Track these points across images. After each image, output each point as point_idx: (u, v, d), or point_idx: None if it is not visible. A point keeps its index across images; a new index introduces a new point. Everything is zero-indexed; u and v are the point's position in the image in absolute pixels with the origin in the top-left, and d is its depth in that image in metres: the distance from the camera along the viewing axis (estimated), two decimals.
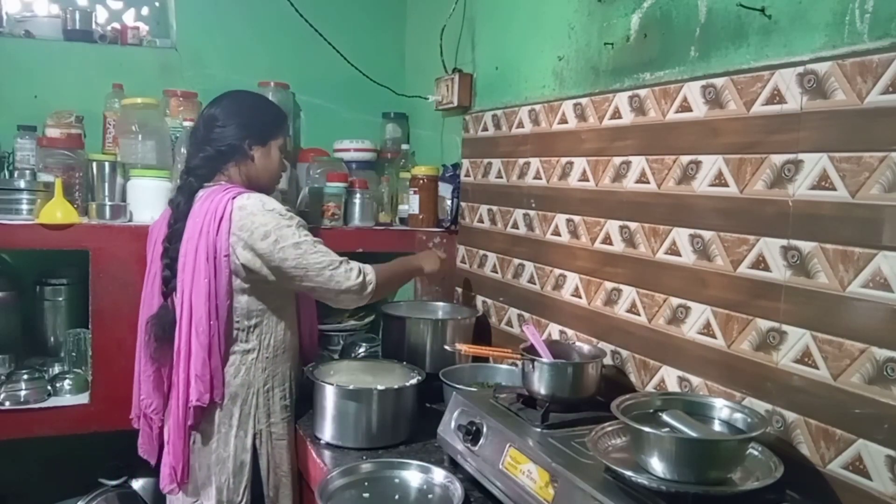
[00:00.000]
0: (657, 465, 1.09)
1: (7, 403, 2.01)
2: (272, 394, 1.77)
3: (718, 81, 1.39)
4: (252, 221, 1.66)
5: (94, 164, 2.23)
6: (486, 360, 2.07)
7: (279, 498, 1.78)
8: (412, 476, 1.51)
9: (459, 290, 2.44)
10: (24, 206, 2.03)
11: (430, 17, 2.60)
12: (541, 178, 1.97)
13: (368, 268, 1.76)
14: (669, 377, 1.51)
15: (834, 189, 1.16)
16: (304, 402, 1.85)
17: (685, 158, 1.47)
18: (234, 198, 1.69)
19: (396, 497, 1.46)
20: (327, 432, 1.73)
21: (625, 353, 1.65)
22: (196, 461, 1.72)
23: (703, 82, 1.42)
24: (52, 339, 2.31)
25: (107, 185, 2.23)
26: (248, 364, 1.74)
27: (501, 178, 2.16)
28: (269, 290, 1.74)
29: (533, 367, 1.49)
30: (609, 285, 1.70)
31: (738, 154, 1.34)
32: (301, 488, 1.84)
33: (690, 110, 1.46)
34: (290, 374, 1.83)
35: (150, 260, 1.82)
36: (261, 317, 1.74)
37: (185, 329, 1.66)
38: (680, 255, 1.48)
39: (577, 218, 1.81)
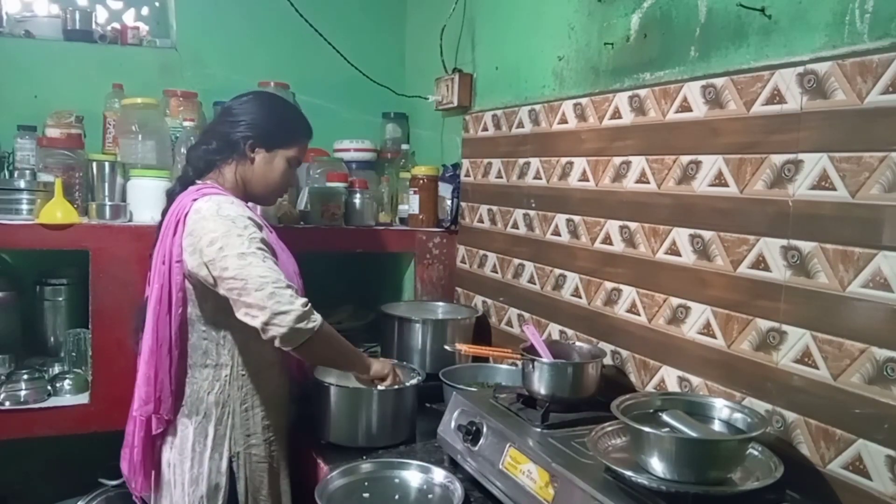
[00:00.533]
0: (657, 465, 1.09)
1: (7, 403, 2.01)
2: (251, 413, 1.64)
3: (718, 81, 1.39)
4: (202, 227, 1.53)
5: (94, 164, 2.23)
6: (486, 360, 2.07)
7: None
8: (412, 476, 1.51)
9: (459, 290, 2.44)
10: (24, 206, 2.03)
11: (430, 17, 2.60)
12: (541, 178, 1.97)
13: (317, 313, 1.54)
14: (669, 377, 1.51)
15: (834, 189, 1.16)
16: (303, 403, 1.85)
17: (685, 158, 1.47)
18: (195, 200, 1.58)
19: (396, 497, 1.46)
20: (327, 432, 1.72)
21: (625, 353, 1.65)
22: (171, 476, 1.62)
23: (703, 82, 1.42)
24: (52, 339, 2.31)
25: (107, 185, 2.23)
26: (223, 380, 1.62)
27: (501, 178, 2.16)
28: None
29: (533, 367, 1.49)
30: (609, 285, 1.70)
31: (738, 154, 1.34)
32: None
33: (690, 110, 1.46)
34: (279, 392, 1.71)
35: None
36: (229, 329, 1.60)
37: (146, 333, 1.59)
38: (680, 255, 1.48)
39: (577, 218, 1.81)
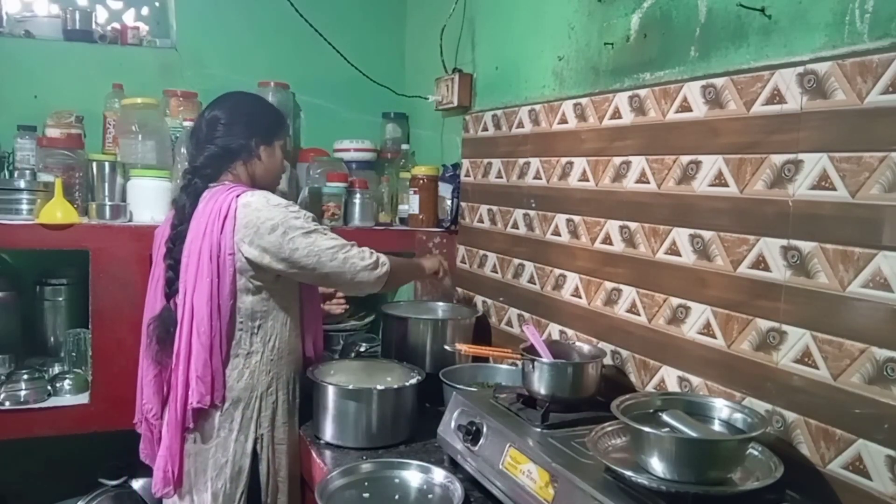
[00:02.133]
0: (657, 465, 1.09)
1: (7, 403, 2.02)
2: (276, 397, 1.74)
3: (718, 81, 1.39)
4: (258, 217, 1.63)
5: (94, 164, 2.23)
6: (486, 360, 2.07)
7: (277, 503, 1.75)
8: (412, 476, 1.51)
9: (459, 290, 2.44)
10: (24, 206, 2.03)
11: (430, 17, 2.60)
12: (541, 178, 1.97)
13: (379, 253, 1.76)
14: (669, 377, 1.51)
15: (834, 189, 1.16)
16: (304, 402, 1.85)
17: (685, 158, 1.47)
18: (238, 196, 1.66)
19: (396, 497, 1.46)
20: (327, 432, 1.72)
21: (625, 353, 1.65)
22: (192, 465, 1.69)
23: (703, 82, 1.42)
24: (52, 339, 2.31)
25: (107, 185, 2.23)
26: (252, 367, 1.70)
27: (501, 178, 2.16)
28: (276, 291, 1.72)
29: (533, 367, 1.49)
30: (609, 285, 1.70)
31: (738, 154, 1.34)
32: (301, 492, 1.82)
33: (690, 110, 1.46)
34: (294, 377, 1.80)
35: (155, 263, 1.79)
36: (265, 318, 1.71)
37: (185, 330, 1.64)
38: (680, 255, 1.48)
39: (577, 218, 1.81)
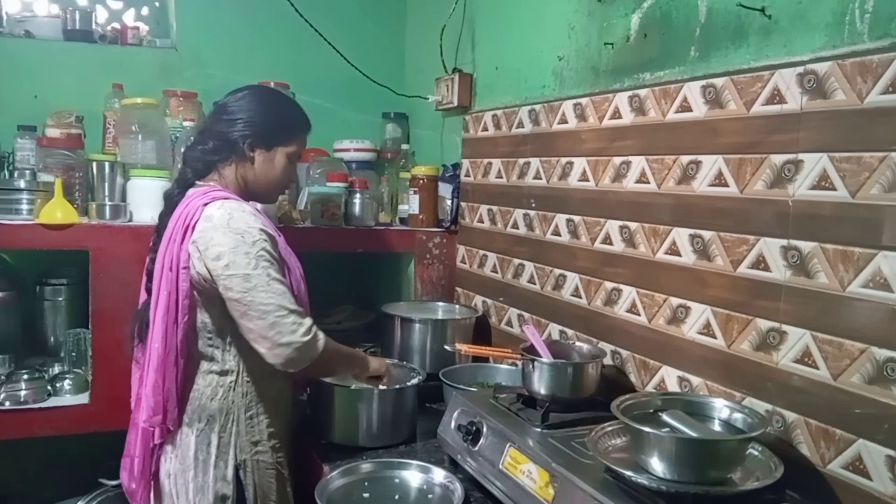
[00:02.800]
0: (657, 465, 1.09)
1: (7, 403, 2.01)
2: (256, 420, 1.59)
3: (718, 81, 1.39)
4: (210, 238, 1.48)
5: (94, 164, 2.23)
6: (486, 360, 2.07)
7: None
8: (412, 476, 1.51)
9: (459, 290, 2.44)
10: (24, 206, 2.03)
11: (430, 17, 2.60)
12: (541, 178, 1.97)
13: (320, 332, 1.53)
14: (669, 377, 1.51)
15: (834, 189, 1.16)
16: (303, 404, 1.85)
17: (685, 158, 1.47)
18: (206, 204, 1.52)
19: (396, 497, 1.46)
20: (329, 432, 1.72)
21: (625, 353, 1.65)
22: (172, 486, 1.57)
23: (703, 82, 1.42)
24: (52, 339, 2.31)
25: (107, 185, 2.23)
26: (227, 386, 1.56)
27: (501, 178, 2.16)
28: None
29: (533, 367, 1.49)
30: (609, 285, 1.70)
31: (738, 154, 1.34)
32: None
33: (690, 110, 1.46)
34: (281, 398, 1.66)
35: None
36: (235, 335, 1.55)
37: (149, 343, 1.54)
38: (680, 255, 1.48)
39: (577, 218, 1.81)
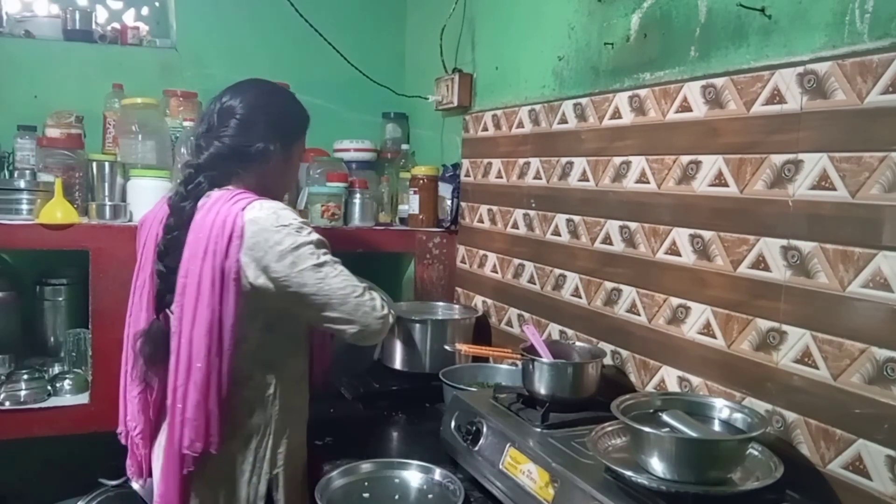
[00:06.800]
0: (657, 465, 1.09)
1: (7, 403, 2.01)
2: (288, 432, 1.54)
3: (718, 81, 1.39)
4: (266, 240, 1.41)
5: (94, 164, 2.23)
6: (486, 360, 2.07)
7: None
8: (412, 476, 1.51)
9: (459, 290, 2.44)
10: (24, 206, 2.03)
11: (430, 17, 2.60)
12: (541, 178, 1.97)
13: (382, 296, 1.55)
14: (669, 377, 1.51)
15: (834, 189, 1.16)
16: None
17: (685, 158, 1.47)
18: (243, 209, 1.43)
19: (396, 497, 1.46)
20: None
21: (625, 353, 1.65)
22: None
23: (703, 82, 1.42)
24: (52, 339, 2.31)
25: (107, 185, 2.23)
26: (264, 401, 1.50)
27: (501, 178, 2.16)
28: (288, 319, 1.52)
29: (533, 367, 1.49)
30: (609, 285, 1.70)
31: (738, 154, 1.34)
32: None
33: (690, 110, 1.46)
34: (304, 406, 1.62)
35: (142, 260, 1.58)
36: (273, 348, 1.50)
37: (183, 364, 1.42)
38: (680, 255, 1.48)
39: (577, 218, 1.81)
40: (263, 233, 1.41)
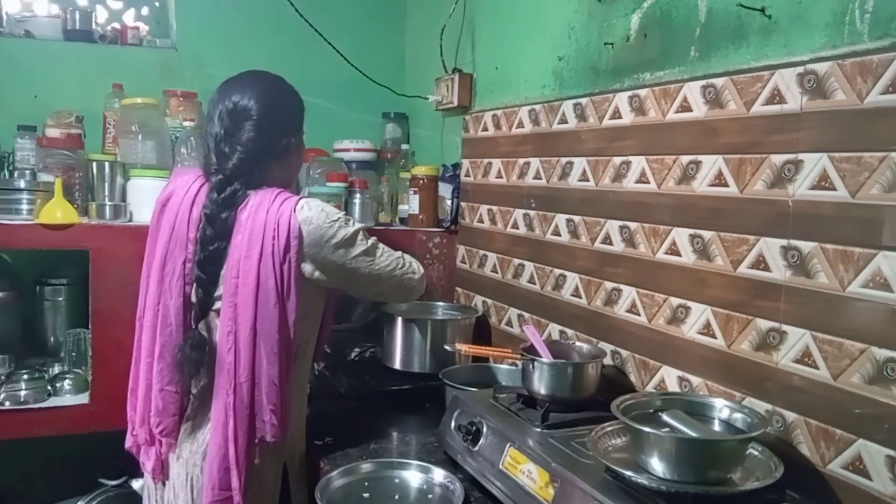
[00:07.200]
0: (657, 465, 1.09)
1: (7, 403, 2.01)
2: (300, 414, 1.63)
3: (718, 81, 1.39)
4: (321, 236, 1.49)
5: (94, 164, 2.23)
6: (486, 360, 2.07)
7: None
8: (412, 476, 1.51)
9: (459, 290, 2.44)
10: (24, 206, 2.03)
11: (430, 17, 2.60)
12: (541, 178, 1.97)
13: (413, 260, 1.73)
14: (669, 377, 1.51)
15: (834, 189, 1.16)
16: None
17: (685, 158, 1.47)
18: (294, 210, 1.48)
19: (396, 497, 1.46)
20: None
21: (625, 353, 1.65)
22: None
23: (703, 82, 1.42)
24: (52, 339, 2.31)
25: (107, 185, 2.23)
26: (289, 383, 1.53)
27: (501, 178, 2.16)
28: (316, 303, 1.60)
29: (533, 367, 1.49)
30: (609, 285, 1.70)
31: (738, 154, 1.34)
32: None
33: (690, 110, 1.46)
34: (307, 386, 1.68)
35: (169, 244, 1.52)
36: (304, 334, 1.57)
37: (244, 361, 1.44)
38: (680, 255, 1.48)
39: (577, 218, 1.81)
40: (318, 230, 1.50)
